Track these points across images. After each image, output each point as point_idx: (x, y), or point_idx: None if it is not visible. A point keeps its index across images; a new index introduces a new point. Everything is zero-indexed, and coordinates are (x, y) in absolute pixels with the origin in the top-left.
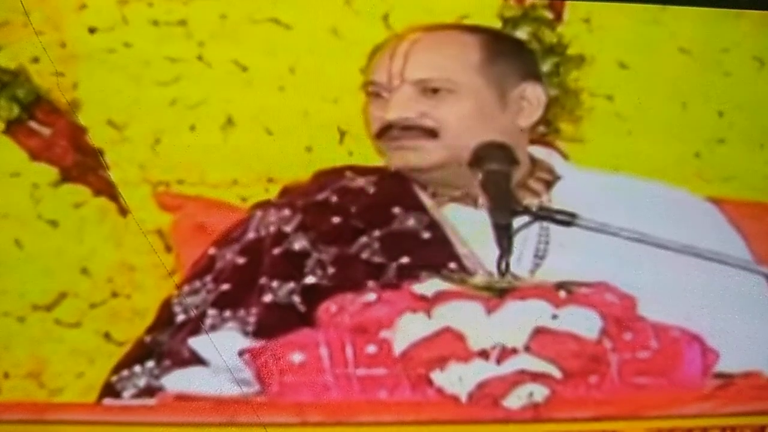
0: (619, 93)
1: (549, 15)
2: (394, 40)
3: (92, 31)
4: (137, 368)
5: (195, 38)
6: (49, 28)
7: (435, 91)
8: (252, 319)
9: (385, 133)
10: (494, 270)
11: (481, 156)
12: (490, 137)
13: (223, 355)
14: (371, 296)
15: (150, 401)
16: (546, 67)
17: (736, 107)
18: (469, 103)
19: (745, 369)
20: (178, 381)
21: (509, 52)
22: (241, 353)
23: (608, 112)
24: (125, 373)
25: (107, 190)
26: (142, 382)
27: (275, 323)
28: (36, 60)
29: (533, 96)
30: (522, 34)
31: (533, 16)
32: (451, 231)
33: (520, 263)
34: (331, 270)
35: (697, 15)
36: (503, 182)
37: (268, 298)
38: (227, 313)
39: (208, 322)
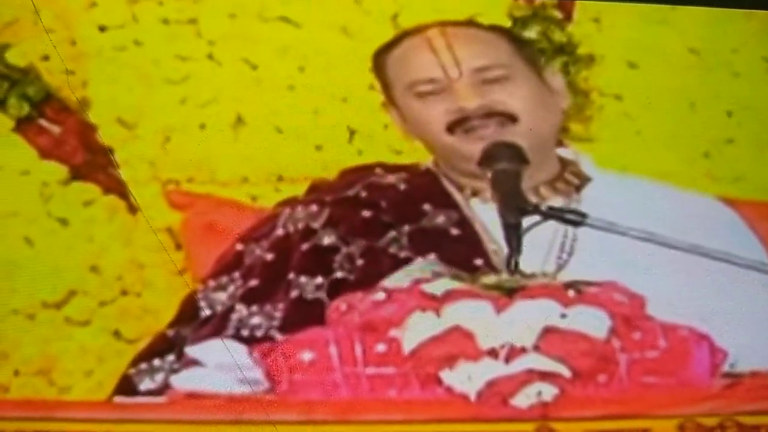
0: (629, 92)
1: (558, 14)
2: (418, 38)
3: (102, 29)
4: (157, 362)
5: (205, 37)
6: (59, 26)
7: (494, 78)
8: (279, 314)
9: (460, 125)
10: (523, 267)
11: (490, 155)
12: (554, 120)
13: (233, 354)
14: (381, 295)
15: (160, 399)
16: (555, 66)
17: (744, 107)
18: (527, 86)
19: (753, 368)
20: (188, 379)
21: (521, 43)
22: (250, 351)
23: (617, 112)
24: (144, 366)
25: (117, 188)
26: (160, 376)
27: (302, 318)
28: (46, 58)
29: (557, 82)
30: (531, 33)
31: (543, 16)
32: (482, 228)
33: (548, 260)
34: (359, 262)
35: (707, 15)
36: (513, 181)
37: (295, 293)
38: (254, 308)
39: (235, 317)
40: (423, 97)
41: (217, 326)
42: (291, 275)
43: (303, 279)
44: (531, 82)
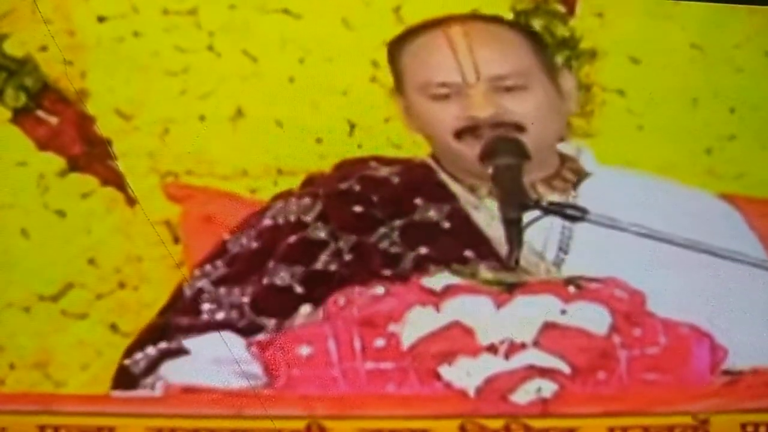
0: (631, 88)
1: (561, 8)
2: (439, 33)
3: (101, 19)
4: (150, 350)
5: (205, 28)
6: (57, 16)
7: (510, 87)
8: (246, 299)
9: (469, 132)
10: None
11: (491, 150)
12: (560, 123)
13: (231, 348)
14: (380, 289)
15: (157, 393)
16: (558, 60)
17: (747, 104)
18: (540, 95)
19: (753, 365)
20: (185, 373)
21: (540, 42)
22: (248, 345)
23: (619, 107)
24: (139, 355)
25: (115, 180)
26: (155, 363)
27: (269, 306)
28: (44, 48)
29: (569, 85)
30: (534, 27)
31: (545, 10)
32: (477, 219)
33: (544, 257)
34: (347, 257)
35: (709, 10)
36: (514, 176)
37: (266, 280)
38: (222, 290)
39: (206, 297)
40: (435, 99)
41: (190, 310)
42: (271, 264)
43: (280, 267)
44: (545, 91)
